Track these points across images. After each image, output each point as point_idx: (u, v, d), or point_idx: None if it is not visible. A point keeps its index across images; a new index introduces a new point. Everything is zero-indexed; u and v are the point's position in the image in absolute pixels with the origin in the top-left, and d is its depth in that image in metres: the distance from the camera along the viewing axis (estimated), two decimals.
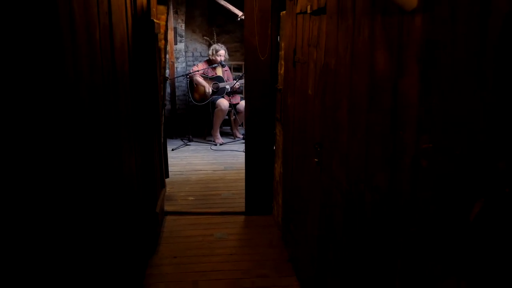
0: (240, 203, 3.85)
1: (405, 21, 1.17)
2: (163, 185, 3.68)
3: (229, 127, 6.67)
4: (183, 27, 6.72)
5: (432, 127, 1.10)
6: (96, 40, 1.70)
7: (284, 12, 3.11)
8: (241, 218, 3.64)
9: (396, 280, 1.25)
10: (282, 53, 3.21)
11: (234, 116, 6.37)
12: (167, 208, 3.75)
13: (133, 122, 2.44)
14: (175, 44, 6.59)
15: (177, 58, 6.72)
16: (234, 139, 6.37)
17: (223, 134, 6.43)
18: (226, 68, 6.38)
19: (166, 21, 3.63)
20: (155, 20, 2.96)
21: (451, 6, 1.06)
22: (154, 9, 3.14)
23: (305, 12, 2.41)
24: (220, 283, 2.65)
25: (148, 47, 2.84)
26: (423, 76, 1.10)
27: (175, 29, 6.55)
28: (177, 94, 6.74)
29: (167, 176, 4.35)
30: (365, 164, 1.49)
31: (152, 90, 3.07)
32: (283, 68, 3.13)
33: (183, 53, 6.86)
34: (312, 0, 2.26)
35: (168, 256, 2.96)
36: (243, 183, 3.78)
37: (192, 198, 4.06)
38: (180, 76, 6.63)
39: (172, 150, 5.71)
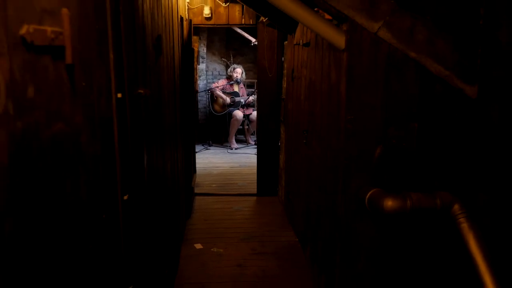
0: (252, 189, 4.92)
1: (342, 55, 2.27)
2: (194, 171, 4.79)
3: (242, 135, 7.81)
4: (205, 50, 7.91)
5: (352, 108, 2.19)
6: (169, 63, 2.83)
7: (286, 42, 4.25)
8: (253, 198, 4.72)
9: (339, 192, 2.32)
10: (285, 71, 4.33)
11: (247, 126, 7.51)
12: (196, 191, 4.84)
13: (181, 124, 3.56)
14: (198, 64, 7.79)
15: (199, 76, 7.91)
16: (247, 145, 7.48)
17: (238, 141, 7.55)
18: (242, 85, 7.54)
19: (198, 48, 4.79)
20: (194, 48, 4.12)
21: (359, 48, 2.15)
22: (192, 39, 4.30)
23: (299, 44, 3.53)
24: (238, 234, 3.71)
25: (189, 67, 3.98)
26: (347, 84, 2.19)
27: (198, 51, 7.75)
28: (199, 107, 7.91)
29: (195, 171, 5.45)
30: (327, 135, 2.58)
31: (191, 101, 4.20)
32: (285, 83, 4.25)
33: (204, 72, 8.05)
34: (303, 36, 3.38)
35: (200, 219, 4.05)
36: (255, 176, 4.87)
37: (215, 185, 5.15)
38: (202, 91, 7.81)
39: (196, 153, 6.81)
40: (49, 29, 0.83)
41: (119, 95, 1.35)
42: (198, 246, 3.44)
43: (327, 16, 2.34)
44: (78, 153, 0.99)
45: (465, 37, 2.11)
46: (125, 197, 1.40)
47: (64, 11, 0.91)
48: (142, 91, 1.70)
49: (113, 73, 1.31)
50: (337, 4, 2.08)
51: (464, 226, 1.96)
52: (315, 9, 2.41)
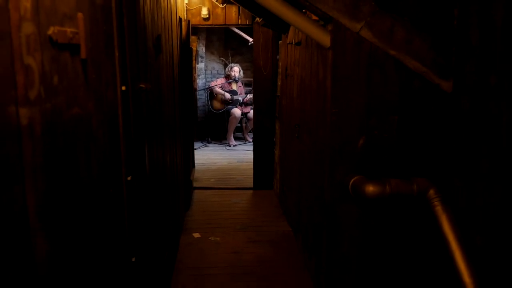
0: (249, 183, 5.10)
1: (327, 53, 2.45)
2: (193, 165, 4.97)
3: (240, 133, 8.00)
4: (204, 50, 8.10)
5: (337, 102, 2.37)
6: (168, 61, 3.02)
7: (280, 41, 4.43)
8: (250, 191, 4.91)
9: (326, 180, 2.51)
10: (279, 70, 4.52)
11: (245, 124, 7.69)
12: (195, 185, 5.02)
13: (180, 119, 3.75)
14: (197, 63, 7.97)
15: (198, 75, 8.09)
16: (245, 142, 7.67)
17: (236, 138, 7.74)
18: (240, 84, 7.73)
19: (196, 47, 4.97)
20: (192, 48, 4.31)
21: (343, 46, 2.33)
22: (190, 39, 4.49)
23: (292, 43, 3.71)
24: (235, 224, 3.90)
25: (187, 66, 4.16)
26: (332, 80, 2.37)
27: (196, 51, 7.94)
28: (198, 105, 8.10)
29: (193, 166, 5.64)
30: (316, 129, 2.76)
31: (190, 98, 4.38)
32: (280, 81, 4.43)
33: (203, 71, 8.23)
34: (295, 36, 3.57)
35: (199, 210, 4.23)
36: (252, 171, 5.05)
37: (213, 180, 5.34)
38: (201, 90, 8.00)
39: (195, 149, 7.00)
40: (68, 30, 1.02)
41: (123, 88, 1.53)
42: (197, 235, 3.63)
43: (314, 17, 2.53)
44: (90, 134, 1.18)
45: (441, 36, 2.30)
46: (129, 178, 1.59)
47: (80, 15, 1.09)
48: (143, 86, 1.89)
49: (118, 68, 1.50)
50: (323, 6, 2.26)
51: (438, 209, 2.14)
52: (303, 10, 2.60)
